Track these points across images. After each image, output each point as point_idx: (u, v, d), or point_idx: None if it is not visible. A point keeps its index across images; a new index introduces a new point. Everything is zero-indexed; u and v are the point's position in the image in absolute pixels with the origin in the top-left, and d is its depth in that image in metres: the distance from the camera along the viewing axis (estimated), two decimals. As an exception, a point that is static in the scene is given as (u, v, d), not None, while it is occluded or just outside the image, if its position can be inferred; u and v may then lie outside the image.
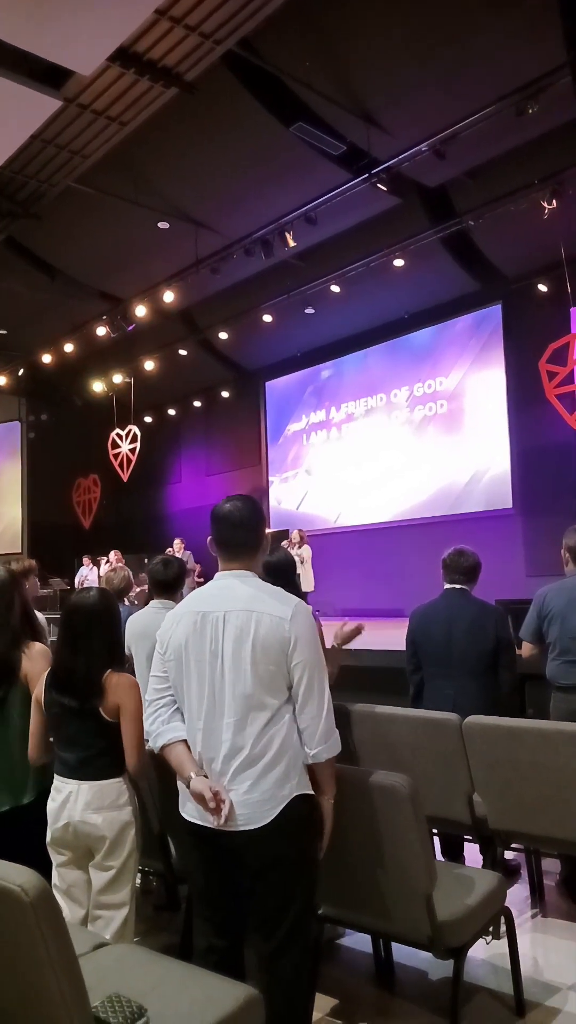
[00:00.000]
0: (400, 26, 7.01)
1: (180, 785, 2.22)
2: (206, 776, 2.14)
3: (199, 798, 2.10)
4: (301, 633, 2.14)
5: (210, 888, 2.24)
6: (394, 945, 2.98)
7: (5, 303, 12.50)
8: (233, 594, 2.20)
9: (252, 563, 2.30)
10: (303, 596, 2.60)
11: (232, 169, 9.07)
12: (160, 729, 2.24)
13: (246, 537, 2.28)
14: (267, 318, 11.92)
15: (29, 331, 13.61)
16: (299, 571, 6.91)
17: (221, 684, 2.14)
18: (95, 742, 2.58)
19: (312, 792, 2.18)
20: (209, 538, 2.34)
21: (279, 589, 2.27)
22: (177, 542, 12.27)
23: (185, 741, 2.22)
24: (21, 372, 14.69)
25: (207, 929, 2.25)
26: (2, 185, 8.49)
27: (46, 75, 6.21)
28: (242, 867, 2.15)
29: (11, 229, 9.87)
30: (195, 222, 10.25)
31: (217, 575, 2.30)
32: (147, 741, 2.75)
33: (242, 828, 2.09)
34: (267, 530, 2.44)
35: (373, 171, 8.71)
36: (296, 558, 7.29)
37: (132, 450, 14.13)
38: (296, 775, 2.15)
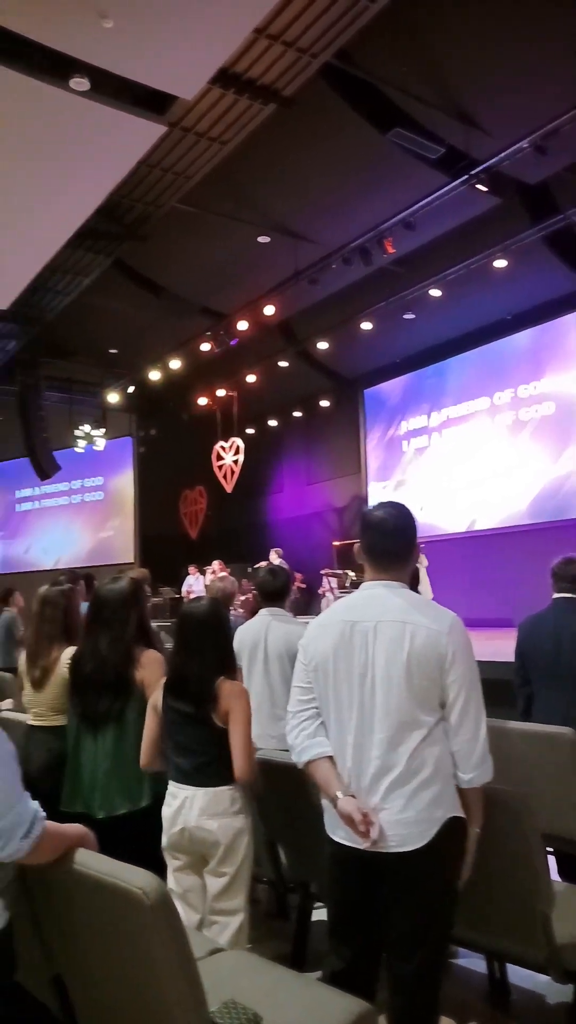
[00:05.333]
0: (495, 24, 6.88)
1: (325, 803, 2.14)
2: (352, 795, 2.04)
3: (347, 819, 2.01)
4: (459, 648, 2.04)
5: (350, 907, 2.16)
6: (509, 966, 2.89)
7: (115, 323, 13.01)
8: (383, 604, 2.10)
9: (402, 573, 2.19)
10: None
11: (330, 180, 9.13)
12: (305, 743, 2.14)
13: (398, 546, 2.18)
14: (366, 326, 11.89)
15: (137, 349, 14.11)
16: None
17: (372, 698, 2.04)
18: (208, 748, 2.62)
19: (464, 815, 2.08)
20: (356, 546, 2.25)
21: (431, 601, 2.19)
22: (274, 553, 12.36)
23: (331, 757, 2.11)
24: (131, 389, 15.24)
25: (342, 949, 2.17)
26: (111, 209, 8.84)
27: (151, 102, 6.46)
28: (387, 887, 2.06)
29: (119, 251, 10.27)
30: (294, 235, 10.37)
31: (364, 584, 2.21)
32: (259, 750, 2.80)
33: (394, 850, 2.00)
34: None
35: (472, 172, 8.57)
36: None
37: (235, 462, 14.39)
38: (449, 797, 2.05)
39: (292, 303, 11.52)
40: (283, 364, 13.36)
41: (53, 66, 5.55)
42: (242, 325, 11.70)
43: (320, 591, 12.75)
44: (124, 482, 17.39)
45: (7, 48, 5.32)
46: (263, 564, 5.97)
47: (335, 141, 8.43)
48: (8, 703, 4.73)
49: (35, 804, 1.75)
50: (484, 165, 8.45)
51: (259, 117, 7.42)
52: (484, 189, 8.83)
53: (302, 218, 10.10)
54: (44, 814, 1.76)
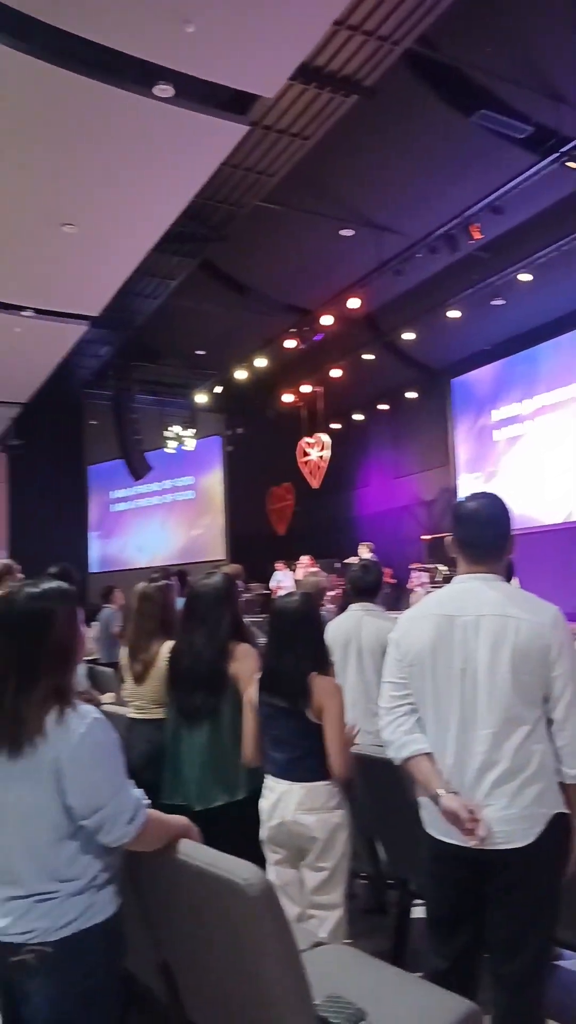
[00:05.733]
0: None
1: (424, 800, 2.12)
2: (455, 792, 2.01)
3: (451, 816, 1.98)
4: (563, 641, 2.00)
5: (451, 906, 2.13)
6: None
7: (202, 324, 13.23)
8: (480, 598, 2.06)
9: (497, 565, 2.14)
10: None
11: (413, 168, 8.99)
12: (402, 740, 2.11)
13: (494, 537, 2.14)
14: (453, 314, 11.65)
15: (224, 349, 14.30)
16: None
17: (474, 694, 2.01)
18: (303, 743, 2.63)
19: (568, 812, 2.03)
20: (449, 538, 2.21)
21: (530, 594, 2.13)
22: (364, 547, 12.26)
23: (429, 754, 2.09)
24: (219, 389, 15.47)
25: (443, 948, 2.15)
26: (195, 212, 8.97)
27: (232, 103, 6.52)
28: (490, 886, 2.03)
29: (205, 253, 10.42)
30: (377, 226, 10.27)
31: (458, 577, 2.18)
32: (355, 745, 2.79)
33: (500, 847, 1.97)
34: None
35: (562, 150, 8.26)
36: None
37: (322, 457, 14.38)
38: (553, 793, 2.01)
39: (377, 295, 11.41)
40: (368, 357, 13.26)
41: (138, 75, 5.68)
42: (326, 320, 11.67)
43: (409, 586, 12.60)
44: (213, 481, 17.67)
45: (94, 61, 5.47)
46: (355, 559, 5.95)
47: (418, 128, 8.29)
48: (110, 696, 4.88)
49: (139, 792, 1.81)
50: (575, 142, 8.14)
51: (341, 110, 7.37)
52: (575, 167, 8.50)
53: (385, 209, 9.99)
54: (147, 801, 1.82)
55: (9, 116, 5.81)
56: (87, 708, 1.78)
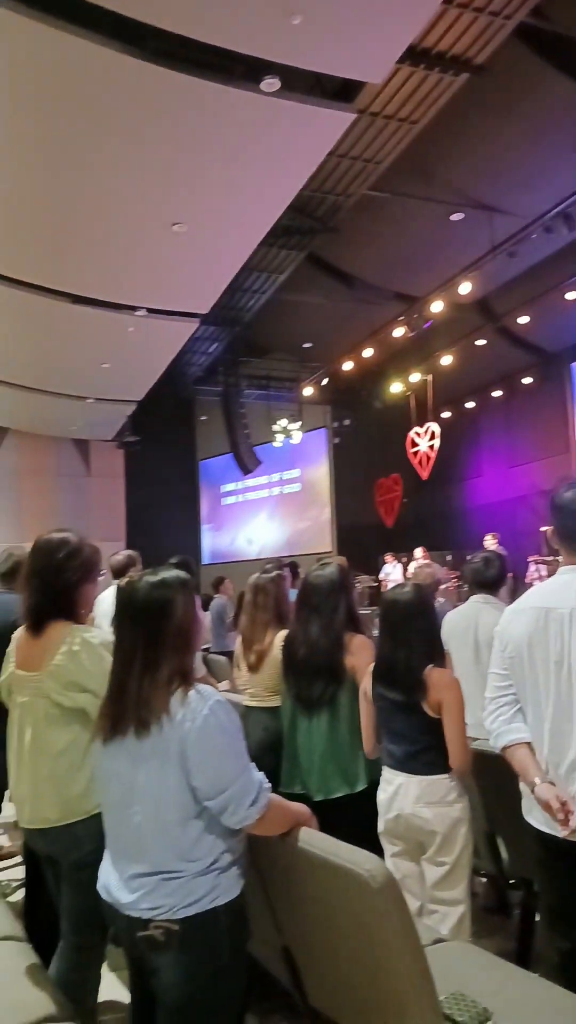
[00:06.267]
0: None
1: (524, 789, 2.14)
2: (551, 783, 2.02)
3: (545, 806, 2.00)
4: None
5: (558, 897, 2.13)
6: None
7: (309, 317, 13.26)
8: None
9: None
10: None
11: (526, 145, 8.66)
12: (501, 729, 2.16)
13: None
14: (572, 295, 11.18)
15: (331, 341, 14.29)
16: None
17: (569, 686, 2.01)
18: (420, 737, 2.60)
19: None
20: (549, 529, 2.19)
21: None
22: (490, 537, 11.92)
23: (529, 743, 2.12)
24: (325, 381, 15.48)
25: (557, 940, 2.13)
26: (302, 205, 8.98)
27: (338, 91, 6.47)
28: None
29: (312, 245, 10.43)
30: (489, 208, 9.96)
31: (561, 569, 2.17)
32: (471, 740, 2.72)
33: None
34: None
35: None
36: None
37: (431, 447, 14.13)
38: None
39: (489, 279, 11.08)
40: (480, 343, 12.92)
41: (245, 71, 5.72)
42: (436, 306, 11.44)
43: (527, 579, 12.20)
44: (320, 473, 17.73)
45: (202, 61, 5.55)
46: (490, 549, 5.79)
47: (530, 103, 7.98)
48: (225, 684, 4.99)
49: (260, 775, 1.83)
50: None
51: (450, 90, 7.18)
52: None
53: (497, 190, 9.67)
54: (269, 785, 1.84)
55: (122, 121, 5.99)
56: (209, 690, 1.82)
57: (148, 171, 6.72)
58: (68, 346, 10.76)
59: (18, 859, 4.04)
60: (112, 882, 1.84)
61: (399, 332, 12.51)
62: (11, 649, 2.44)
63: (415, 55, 6.59)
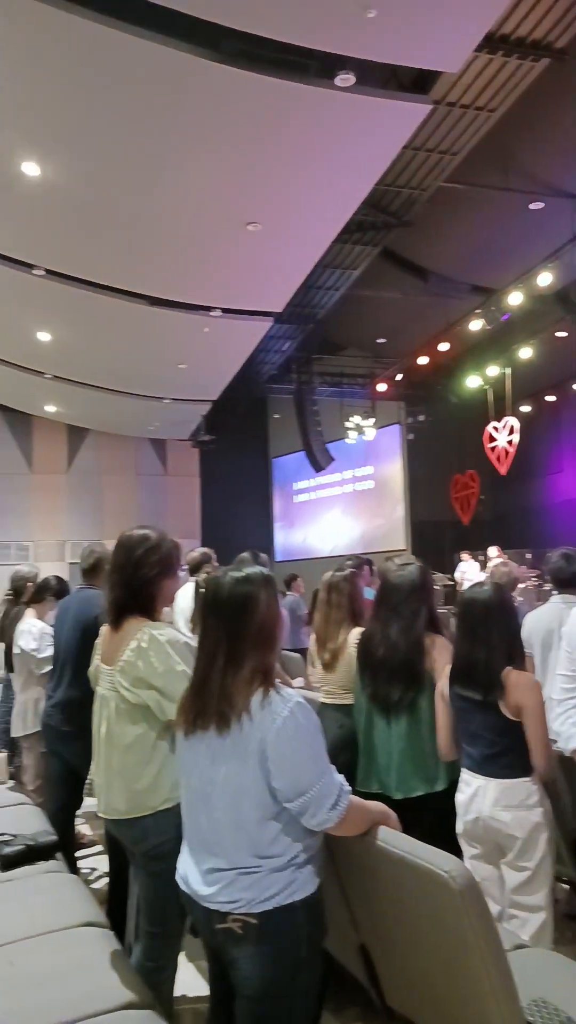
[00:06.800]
0: None
1: None
2: None
3: None
4: None
5: None
6: None
7: (383, 313, 13.15)
8: None
9: None
10: None
11: (610, 128, 8.37)
12: (571, 731, 2.11)
13: None
14: None
15: (405, 336, 14.14)
16: None
17: None
18: (498, 739, 2.54)
19: None
20: None
21: None
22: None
23: None
24: (399, 377, 15.34)
25: None
26: (376, 199, 8.91)
27: (414, 82, 6.39)
28: None
29: (386, 240, 10.33)
30: (570, 195, 9.67)
31: None
32: (555, 742, 2.66)
33: None
34: None
35: None
36: None
37: (510, 442, 13.82)
38: None
39: (570, 269, 10.75)
40: (561, 334, 12.56)
41: (319, 68, 5.71)
42: (515, 298, 11.17)
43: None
44: (393, 470, 17.57)
45: (276, 60, 5.57)
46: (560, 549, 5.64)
47: (614, 85, 7.69)
48: (299, 681, 5.00)
49: (340, 777, 1.82)
50: None
51: (529, 77, 6.99)
52: None
53: (578, 176, 9.39)
54: (349, 788, 1.83)
55: (197, 123, 6.06)
56: (290, 692, 1.82)
57: (223, 172, 6.78)
58: (146, 348, 10.99)
59: (99, 847, 4.17)
60: (190, 873, 1.86)
61: (476, 325, 12.28)
62: (99, 641, 2.52)
63: (493, 42, 6.44)
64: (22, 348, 11.51)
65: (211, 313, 9.65)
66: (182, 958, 2.47)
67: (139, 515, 15.15)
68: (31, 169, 6.61)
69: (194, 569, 4.98)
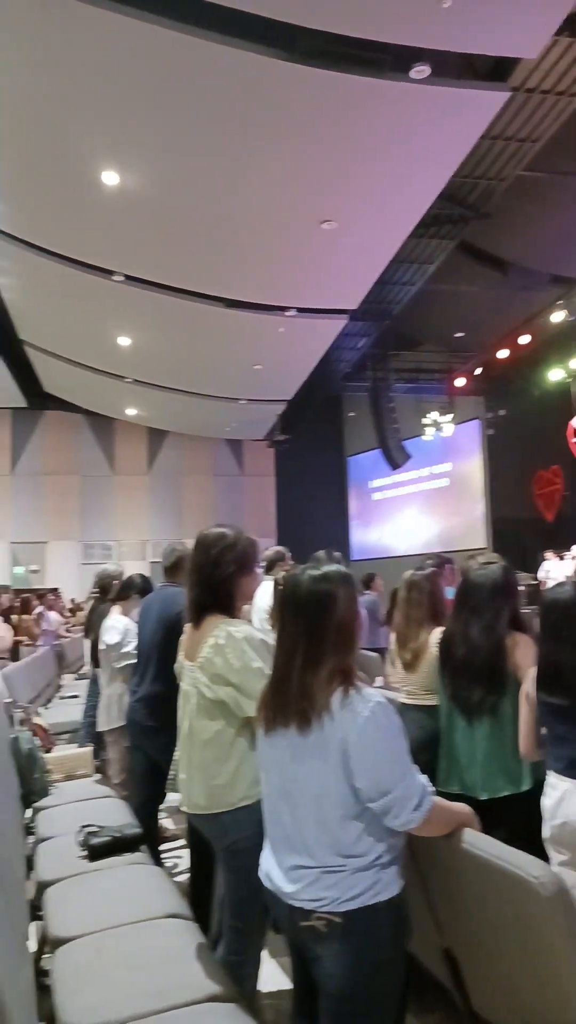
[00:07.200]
0: None
1: None
2: None
3: None
4: None
5: None
6: None
7: (460, 306, 12.93)
8: None
9: None
10: None
11: None
12: None
13: None
14: None
15: (484, 330, 13.87)
16: None
17: None
18: (587, 742, 2.46)
19: None
20: None
21: None
22: None
23: None
24: (478, 371, 15.06)
25: None
26: (452, 192, 8.75)
27: (491, 71, 6.25)
28: None
29: (463, 233, 10.15)
30: None
31: None
32: None
33: None
34: None
35: None
36: None
37: (595, 436, 13.39)
38: None
39: None
40: None
41: (394, 62, 5.65)
42: (598, 288, 10.83)
43: None
44: (472, 466, 17.25)
45: (349, 55, 5.53)
46: None
47: None
48: (378, 681, 4.96)
49: (423, 778, 1.80)
50: None
51: (612, 57, 6.75)
52: None
53: None
54: (432, 788, 1.80)
55: (272, 123, 6.10)
56: (371, 691, 1.80)
57: (298, 171, 6.80)
58: (222, 350, 11.14)
59: (182, 842, 4.25)
60: (273, 870, 1.87)
61: (558, 317, 11.96)
62: (183, 638, 2.57)
63: (573, 24, 6.23)
64: (103, 353, 11.84)
65: (286, 313, 9.70)
66: (265, 953, 2.49)
67: (216, 515, 15.37)
68: (110, 178, 6.78)
69: (269, 567, 5.00)
